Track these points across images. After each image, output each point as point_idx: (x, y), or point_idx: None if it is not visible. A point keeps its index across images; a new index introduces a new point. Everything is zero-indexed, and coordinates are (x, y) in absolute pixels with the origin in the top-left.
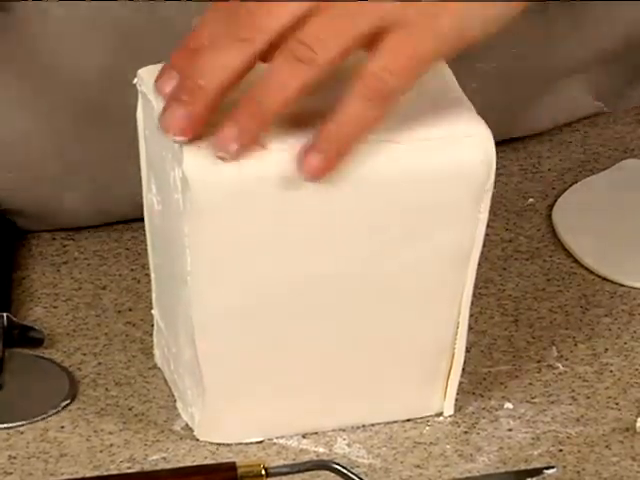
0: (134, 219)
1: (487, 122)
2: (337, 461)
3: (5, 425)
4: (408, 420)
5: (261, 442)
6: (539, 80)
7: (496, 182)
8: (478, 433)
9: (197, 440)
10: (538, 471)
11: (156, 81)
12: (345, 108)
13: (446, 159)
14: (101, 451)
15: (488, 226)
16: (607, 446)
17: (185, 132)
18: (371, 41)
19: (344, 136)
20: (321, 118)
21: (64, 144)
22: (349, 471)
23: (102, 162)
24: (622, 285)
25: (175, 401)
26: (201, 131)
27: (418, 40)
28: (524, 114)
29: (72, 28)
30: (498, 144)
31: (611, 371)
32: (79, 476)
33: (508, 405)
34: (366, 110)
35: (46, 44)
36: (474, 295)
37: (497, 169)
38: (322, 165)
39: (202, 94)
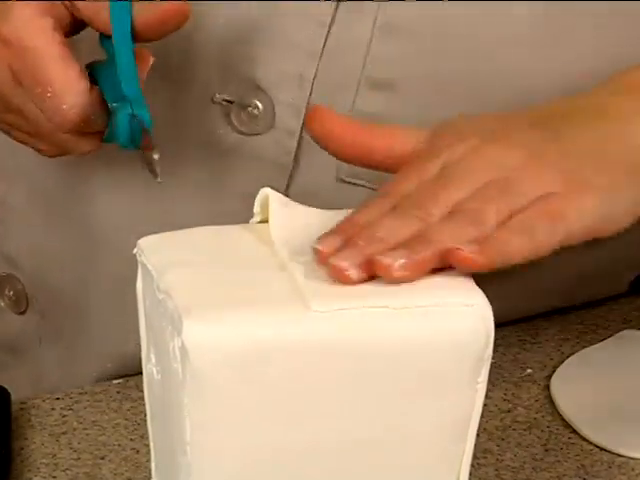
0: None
1: None
2: None
3: None
4: None
5: None
6: None
7: (494, 352)
8: None
9: None
10: None
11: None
12: None
13: (445, 328)
14: None
15: (486, 396)
16: None
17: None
18: None
19: None
20: None
21: None
22: None
23: None
24: (620, 455)
25: None
26: (202, 300)
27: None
28: None
29: None
30: None
31: None
32: None
33: None
34: None
35: None
36: (472, 465)
37: (495, 339)
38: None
39: (380, 244)
